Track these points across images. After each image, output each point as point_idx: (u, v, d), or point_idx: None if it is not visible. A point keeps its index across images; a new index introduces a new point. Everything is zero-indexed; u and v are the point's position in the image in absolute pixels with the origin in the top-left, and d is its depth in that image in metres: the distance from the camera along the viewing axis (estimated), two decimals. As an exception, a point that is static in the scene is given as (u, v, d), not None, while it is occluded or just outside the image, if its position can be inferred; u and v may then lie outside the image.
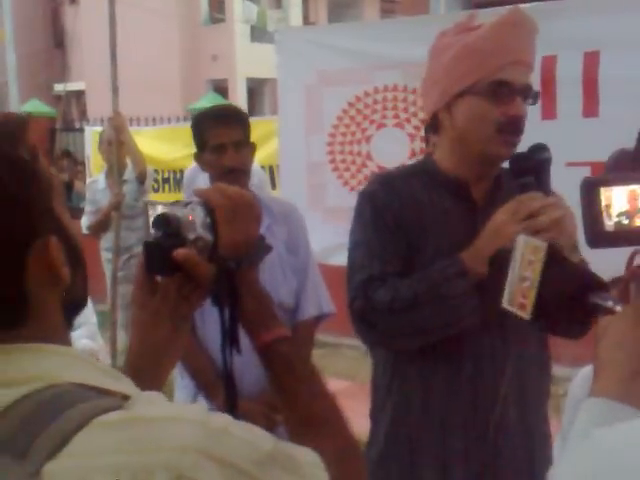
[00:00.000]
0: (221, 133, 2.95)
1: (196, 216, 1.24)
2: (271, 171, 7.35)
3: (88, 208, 6.52)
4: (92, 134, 10.20)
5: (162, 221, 1.23)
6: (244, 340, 1.29)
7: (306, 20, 23.53)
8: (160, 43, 20.72)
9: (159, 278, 1.29)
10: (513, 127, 2.08)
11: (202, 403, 2.95)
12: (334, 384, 6.10)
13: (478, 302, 2.05)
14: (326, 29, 4.60)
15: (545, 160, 2.03)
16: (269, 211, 3.08)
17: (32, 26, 21.89)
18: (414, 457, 2.22)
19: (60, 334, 1.06)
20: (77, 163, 11.87)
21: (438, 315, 2.08)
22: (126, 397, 0.98)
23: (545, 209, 1.96)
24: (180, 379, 3.17)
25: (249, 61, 21.12)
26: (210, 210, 1.24)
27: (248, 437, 0.96)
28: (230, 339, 1.29)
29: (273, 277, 3.03)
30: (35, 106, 12.51)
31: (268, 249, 1.31)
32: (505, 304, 1.62)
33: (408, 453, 2.22)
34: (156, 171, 7.25)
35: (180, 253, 1.21)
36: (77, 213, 10.99)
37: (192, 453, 0.90)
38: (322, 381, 1.27)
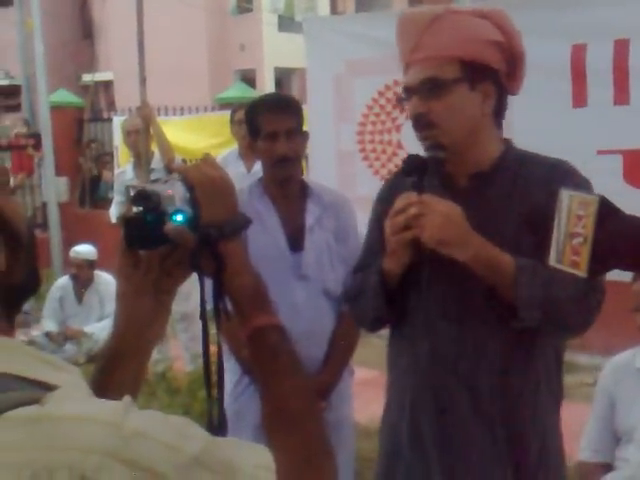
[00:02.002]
0: (274, 121, 2.98)
1: (175, 191, 1.26)
2: (298, 160, 7.35)
3: (117, 198, 6.58)
4: (120, 124, 10.24)
5: (142, 196, 1.25)
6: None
7: (334, 10, 23.47)
8: (188, 33, 20.75)
9: (141, 252, 1.32)
10: (415, 125, 2.18)
11: (247, 384, 2.98)
12: (363, 373, 6.12)
13: (383, 299, 2.21)
14: (354, 18, 4.60)
15: (429, 160, 2.15)
16: (320, 200, 3.10)
17: (60, 17, 21.99)
18: (397, 438, 2.31)
19: None
20: (105, 153, 11.91)
21: (364, 305, 2.29)
22: (54, 388, 0.97)
23: (407, 207, 2.07)
24: (226, 362, 3.20)
25: (277, 51, 21.11)
26: (189, 185, 1.27)
27: (170, 440, 0.94)
28: (216, 307, 1.29)
29: (320, 264, 3.06)
30: (63, 96, 12.54)
31: (247, 222, 1.32)
32: (553, 263, 1.56)
33: (392, 436, 2.34)
34: (184, 160, 7.28)
35: (170, 228, 1.24)
36: (105, 203, 11.08)
37: (97, 455, 0.89)
38: (304, 376, 1.26)
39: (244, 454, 1.03)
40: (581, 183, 2.09)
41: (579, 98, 3.67)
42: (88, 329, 7.01)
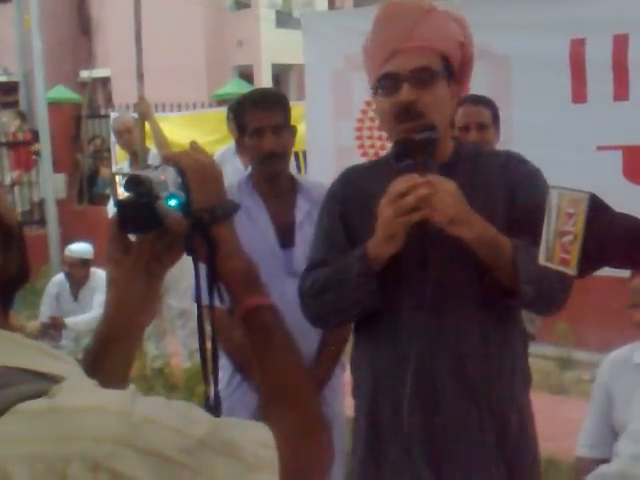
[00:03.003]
0: (260, 117, 2.96)
1: (168, 176, 1.28)
2: (296, 157, 7.35)
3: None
4: (111, 124, 10.24)
5: (134, 181, 1.27)
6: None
7: (331, 5, 23.43)
8: (185, 29, 20.70)
9: (132, 236, 1.33)
10: (404, 114, 2.14)
11: (239, 383, 2.97)
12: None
13: (375, 285, 2.16)
14: (352, 13, 4.59)
15: (425, 141, 2.10)
16: (310, 196, 3.08)
17: (58, 13, 21.94)
18: (379, 436, 2.30)
19: None
20: (103, 149, 11.90)
21: (341, 297, 2.23)
22: (59, 379, 0.98)
23: (413, 189, 2.03)
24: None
25: (274, 47, 21.06)
26: (181, 171, 1.28)
27: (176, 424, 0.97)
28: (210, 290, 1.31)
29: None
30: (61, 93, 12.52)
31: (236, 207, 1.34)
32: (542, 261, 1.56)
33: (373, 432, 2.31)
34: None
35: (165, 210, 1.26)
36: (103, 200, 11.06)
37: (109, 443, 0.91)
38: (299, 354, 1.29)
39: (246, 433, 1.05)
40: (533, 171, 2.24)
41: (579, 93, 3.66)
42: (69, 321, 7.01)
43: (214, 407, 1.31)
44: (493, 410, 2.22)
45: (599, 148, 3.43)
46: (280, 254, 2.99)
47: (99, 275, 7.12)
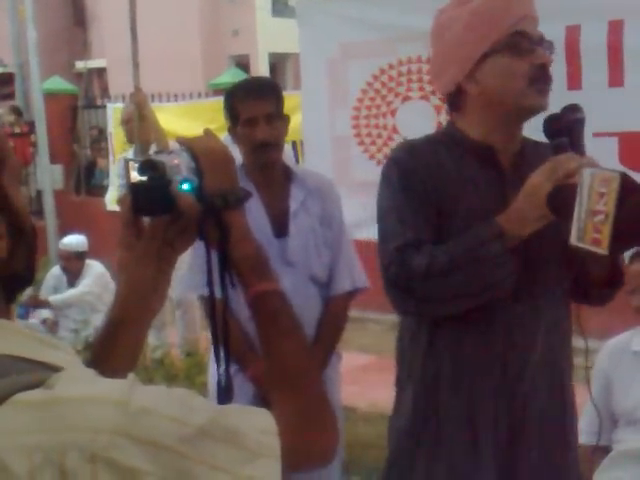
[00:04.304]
0: (253, 106, 2.94)
1: (181, 161, 1.29)
2: (294, 146, 7.33)
3: (120, 182, 6.57)
4: (114, 111, 10.19)
5: (148, 165, 1.28)
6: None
7: (326, -7, 23.33)
8: (180, 19, 20.64)
9: (145, 220, 1.34)
10: (543, 75, 2.11)
11: (234, 373, 2.97)
12: (360, 358, 6.17)
13: (514, 265, 2.03)
14: (348, 1, 4.57)
15: (577, 120, 2.01)
16: (304, 185, 3.07)
17: (52, 4, 21.86)
18: (442, 428, 2.22)
19: None
20: (100, 140, 11.87)
21: (475, 278, 2.06)
22: (58, 369, 0.99)
23: (580, 168, 1.90)
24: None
25: (271, 36, 20.99)
26: (194, 155, 1.30)
27: (175, 413, 0.97)
28: (222, 275, 1.33)
29: (306, 250, 3.04)
30: (56, 84, 12.49)
31: (248, 194, 1.36)
32: (574, 241, 1.54)
33: (436, 424, 2.22)
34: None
35: (178, 193, 1.27)
36: (100, 191, 11.04)
37: (107, 434, 0.92)
38: (305, 340, 1.31)
39: (248, 420, 1.06)
40: None
41: (573, 80, 3.65)
42: (52, 299, 7.05)
43: (225, 389, 1.35)
44: (571, 404, 2.29)
45: (595, 135, 3.42)
46: (275, 243, 2.98)
47: (93, 268, 7.14)
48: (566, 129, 2.01)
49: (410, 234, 2.14)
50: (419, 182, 2.17)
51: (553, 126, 2.04)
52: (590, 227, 1.50)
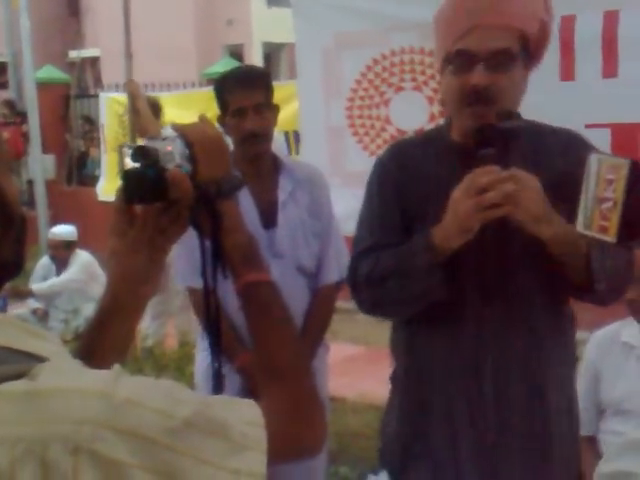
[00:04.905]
0: (242, 96, 2.91)
1: (175, 148, 1.27)
2: (286, 137, 7.32)
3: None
4: (106, 101, 10.17)
5: (141, 152, 1.26)
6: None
7: (321, -16, 23.30)
8: (174, 8, 20.59)
9: (137, 208, 1.33)
10: (474, 98, 2.00)
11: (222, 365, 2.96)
12: (349, 349, 6.18)
13: (443, 276, 2.04)
14: (342, -8, 4.58)
15: (508, 130, 1.96)
16: (292, 176, 3.06)
17: (46, -7, 21.79)
18: (425, 424, 2.22)
19: None
20: (92, 130, 11.84)
21: (405, 287, 2.09)
22: (42, 359, 0.98)
23: (496, 183, 1.89)
24: (201, 340, 3.18)
25: (265, 26, 20.95)
26: (188, 143, 1.28)
27: (160, 405, 0.96)
28: (214, 263, 1.32)
29: (294, 241, 3.02)
30: (49, 73, 12.46)
31: (242, 183, 1.35)
32: (581, 229, 1.53)
33: (421, 420, 2.23)
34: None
35: (173, 171, 1.25)
36: (92, 181, 11.02)
37: (90, 425, 0.91)
38: (295, 330, 1.31)
39: (234, 412, 1.05)
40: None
41: (567, 71, 3.63)
42: (35, 287, 7.08)
43: (216, 378, 1.37)
44: (556, 410, 2.19)
45: (587, 126, 3.41)
46: (263, 235, 2.96)
47: (81, 257, 7.15)
48: (498, 139, 1.95)
49: (371, 240, 2.20)
50: (393, 185, 2.19)
51: (483, 136, 1.97)
52: (597, 215, 1.47)
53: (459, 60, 2.01)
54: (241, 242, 1.32)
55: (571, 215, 1.98)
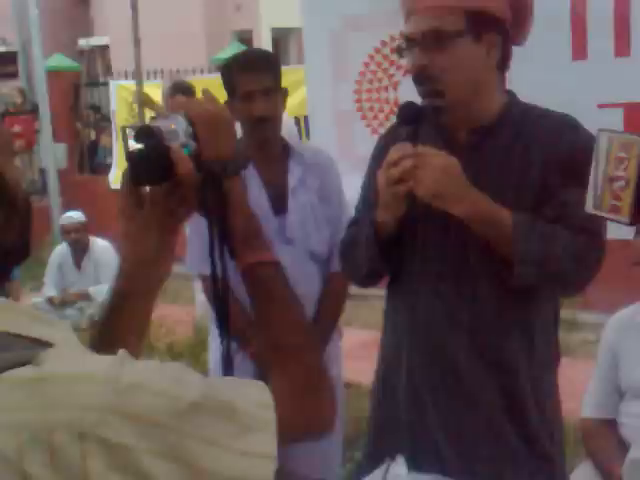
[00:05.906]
0: (249, 80, 2.87)
1: (178, 125, 1.25)
2: (297, 122, 7.29)
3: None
4: (116, 88, 10.17)
5: (144, 132, 1.24)
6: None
7: (329, -33, 23.20)
8: (183, -6, 20.52)
9: (145, 189, 1.31)
10: (416, 79, 2.11)
11: (234, 352, 2.95)
12: (363, 335, 6.16)
13: (377, 250, 2.16)
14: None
15: (427, 108, 2.08)
16: (302, 160, 3.03)
17: (54, -19, 21.76)
18: (395, 395, 2.26)
19: None
20: (103, 118, 11.84)
21: (355, 259, 2.27)
22: (49, 345, 0.97)
23: (401, 159, 2.00)
24: (213, 327, 3.16)
25: (274, 10, 20.84)
26: (192, 120, 1.26)
27: (166, 388, 0.95)
28: (220, 246, 1.29)
29: (305, 226, 3.00)
30: (59, 61, 12.46)
31: (247, 161, 1.33)
32: (590, 209, 1.48)
33: (390, 391, 2.29)
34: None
35: (175, 151, 1.23)
36: (104, 169, 11.03)
37: (96, 411, 0.90)
38: (301, 311, 1.28)
39: (243, 393, 1.04)
40: (587, 139, 1.97)
41: (579, 50, 3.59)
42: (92, 290, 7.02)
43: (225, 360, 1.35)
44: (506, 386, 2.15)
45: (600, 106, 3.37)
46: (274, 221, 2.94)
47: (99, 245, 7.12)
48: (416, 117, 2.08)
49: (360, 212, 2.36)
50: (375, 165, 2.25)
51: (403, 113, 2.13)
52: (608, 194, 1.43)
53: (404, 45, 2.13)
54: (246, 222, 1.30)
55: (566, 195, 1.99)
